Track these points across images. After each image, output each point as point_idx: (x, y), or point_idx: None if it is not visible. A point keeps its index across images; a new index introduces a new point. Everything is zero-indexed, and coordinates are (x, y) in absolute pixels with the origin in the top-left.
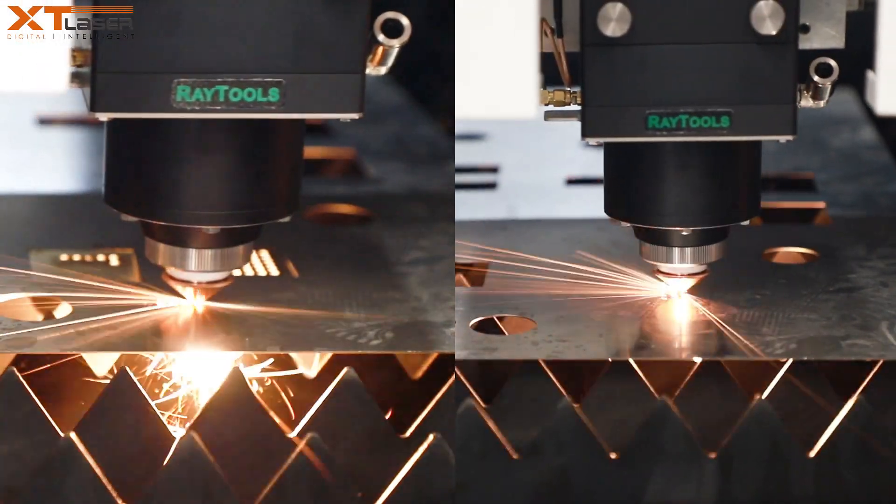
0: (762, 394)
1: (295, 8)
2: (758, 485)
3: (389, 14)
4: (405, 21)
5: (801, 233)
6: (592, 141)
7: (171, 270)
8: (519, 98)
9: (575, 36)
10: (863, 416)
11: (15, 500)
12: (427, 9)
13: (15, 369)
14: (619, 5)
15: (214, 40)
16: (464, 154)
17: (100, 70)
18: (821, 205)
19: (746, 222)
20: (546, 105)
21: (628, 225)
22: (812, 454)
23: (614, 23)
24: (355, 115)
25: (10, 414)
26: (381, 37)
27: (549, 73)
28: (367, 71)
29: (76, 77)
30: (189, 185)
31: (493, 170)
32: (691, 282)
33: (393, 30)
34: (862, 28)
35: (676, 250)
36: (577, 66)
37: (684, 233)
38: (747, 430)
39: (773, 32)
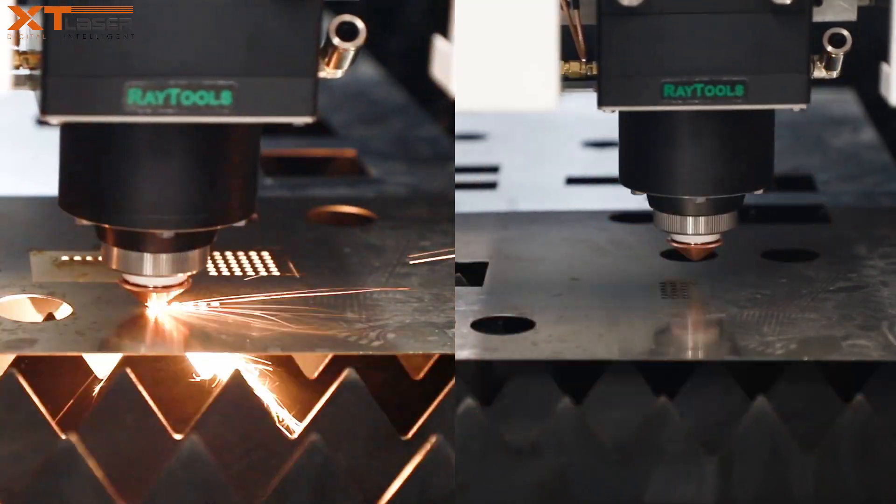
0: (763, 393)
1: (247, 11)
2: (758, 485)
3: (345, 17)
4: (360, 24)
5: (801, 232)
6: (608, 109)
7: (127, 275)
8: (538, 90)
9: (590, 8)
10: (863, 416)
11: (15, 501)
12: (428, 8)
13: (15, 370)
14: None
15: (166, 43)
16: (464, 154)
17: (50, 73)
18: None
19: (760, 191)
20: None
21: (642, 194)
22: (812, 454)
23: None
24: (308, 119)
25: (10, 415)
26: (336, 40)
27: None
28: (323, 74)
29: (28, 79)
30: (143, 189)
31: (494, 169)
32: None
33: (348, 33)
34: (862, 28)
35: (690, 219)
36: (592, 39)
37: (698, 201)
38: (747, 430)
39: (788, 2)
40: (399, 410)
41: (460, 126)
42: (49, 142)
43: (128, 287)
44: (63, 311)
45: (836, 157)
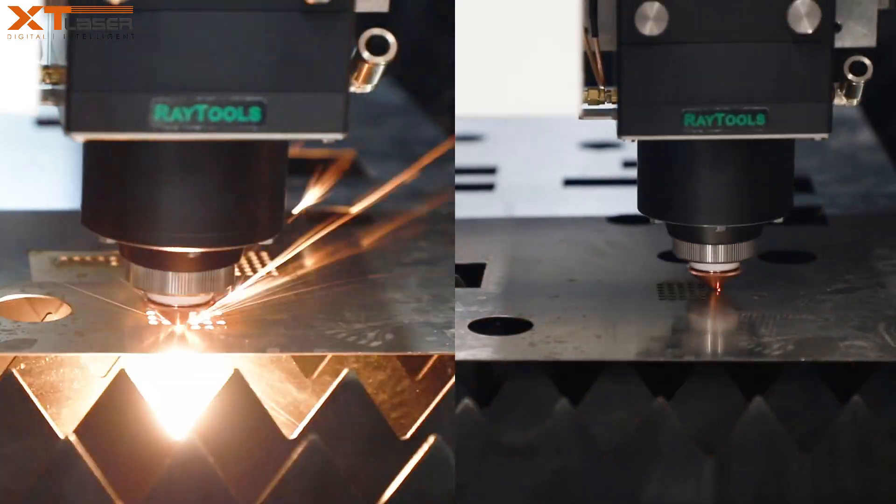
0: (760, 394)
1: (276, 25)
2: (756, 485)
3: (375, 30)
4: (391, 38)
5: (798, 234)
6: (628, 138)
7: (151, 295)
8: (562, 94)
9: (609, 35)
10: (860, 417)
11: (15, 501)
12: (427, 8)
13: (15, 370)
14: (657, 4)
15: (194, 58)
16: (463, 155)
17: (75, 89)
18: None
19: (780, 220)
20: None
21: (661, 222)
22: (810, 454)
23: (651, 22)
24: (339, 136)
25: (9, 415)
26: (366, 54)
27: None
28: (352, 89)
29: (51, 95)
30: (169, 207)
31: (492, 171)
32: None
33: (378, 47)
34: None
35: (709, 247)
36: (610, 65)
37: (717, 230)
38: (745, 430)
39: (810, 31)
40: (398, 410)
41: (459, 127)
42: (48, 142)
43: (152, 306)
44: (62, 311)
45: (834, 159)
